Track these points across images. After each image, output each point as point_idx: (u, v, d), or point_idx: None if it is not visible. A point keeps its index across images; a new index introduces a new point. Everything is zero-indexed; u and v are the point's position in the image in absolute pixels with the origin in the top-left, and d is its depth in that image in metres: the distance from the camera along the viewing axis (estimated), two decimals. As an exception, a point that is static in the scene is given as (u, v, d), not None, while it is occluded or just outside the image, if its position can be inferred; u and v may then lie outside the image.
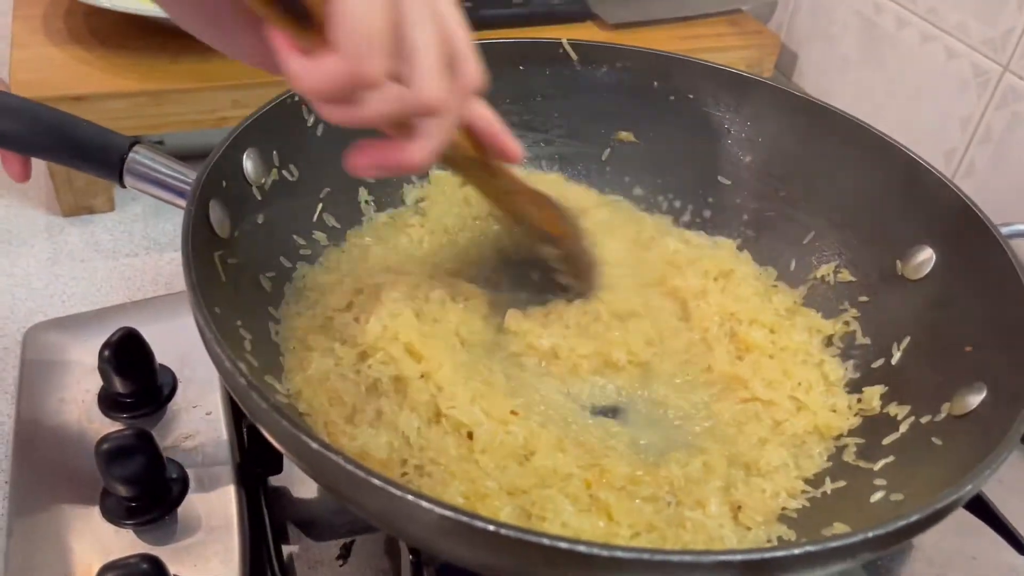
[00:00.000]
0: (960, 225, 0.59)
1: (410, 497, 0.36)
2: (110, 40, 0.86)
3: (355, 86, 0.35)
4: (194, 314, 0.46)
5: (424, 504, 0.36)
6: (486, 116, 0.49)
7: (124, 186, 0.57)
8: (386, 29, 0.35)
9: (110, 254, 0.81)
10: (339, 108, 0.37)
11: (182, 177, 0.57)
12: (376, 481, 0.37)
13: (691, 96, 0.74)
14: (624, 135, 0.76)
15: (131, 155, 0.57)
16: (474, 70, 0.41)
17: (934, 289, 0.60)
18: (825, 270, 0.67)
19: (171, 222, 0.86)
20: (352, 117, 0.37)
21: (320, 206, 0.66)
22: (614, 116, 0.76)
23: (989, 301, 0.55)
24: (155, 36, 0.86)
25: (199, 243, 0.51)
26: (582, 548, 0.35)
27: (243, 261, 0.57)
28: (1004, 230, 0.57)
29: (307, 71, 0.35)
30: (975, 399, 0.51)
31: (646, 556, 0.35)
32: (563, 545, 0.35)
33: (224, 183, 0.56)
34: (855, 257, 0.67)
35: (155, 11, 0.81)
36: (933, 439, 0.52)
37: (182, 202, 0.55)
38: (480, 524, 0.36)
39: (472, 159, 0.51)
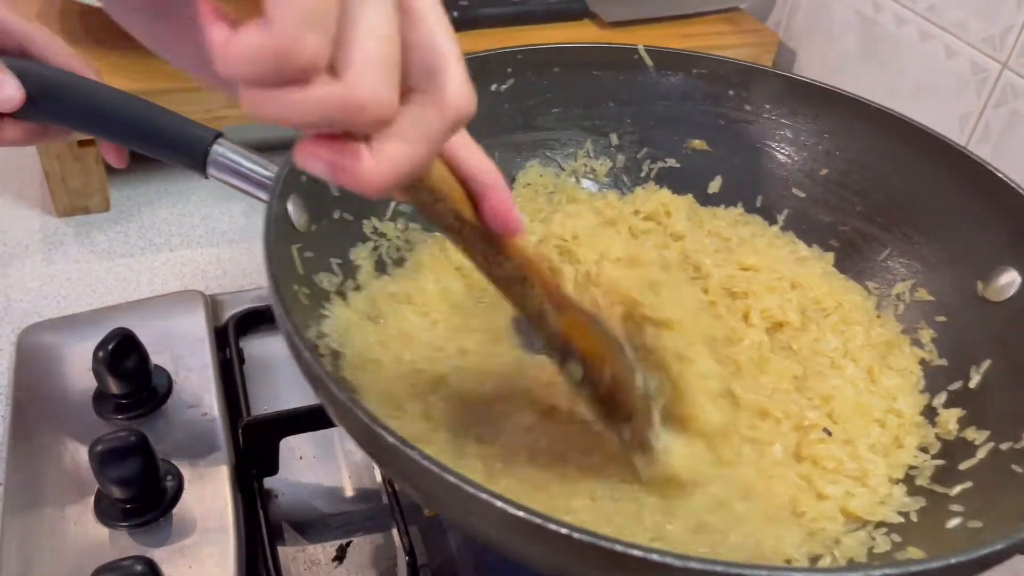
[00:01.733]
0: None
1: (484, 496, 0.36)
2: (105, 40, 0.85)
3: (283, 67, 0.29)
4: (274, 307, 0.45)
5: (498, 504, 0.36)
6: (481, 165, 0.39)
7: (207, 176, 0.59)
8: (334, 5, 0.29)
9: (105, 255, 0.81)
10: (261, 97, 0.30)
11: (263, 171, 0.57)
12: (451, 479, 0.37)
13: (767, 106, 0.73)
14: (697, 143, 0.75)
15: (215, 147, 0.57)
16: (457, 85, 0.33)
17: (1017, 312, 0.58)
18: (901, 288, 0.66)
19: (167, 222, 0.86)
20: (274, 111, 0.30)
21: (394, 203, 0.66)
22: (687, 124, 0.74)
23: None
24: (150, 35, 0.86)
25: (279, 236, 0.51)
26: (636, 552, 0.34)
27: (319, 254, 0.57)
28: None
29: (229, 43, 0.29)
30: None
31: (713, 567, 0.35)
32: (618, 548, 0.35)
33: (303, 178, 0.56)
34: (933, 276, 0.65)
35: (150, 10, 0.81)
36: (1013, 466, 0.50)
37: (262, 194, 0.56)
38: (554, 527, 0.35)
39: (460, 218, 0.40)
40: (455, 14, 0.94)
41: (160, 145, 0.58)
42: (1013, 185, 0.61)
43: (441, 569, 0.50)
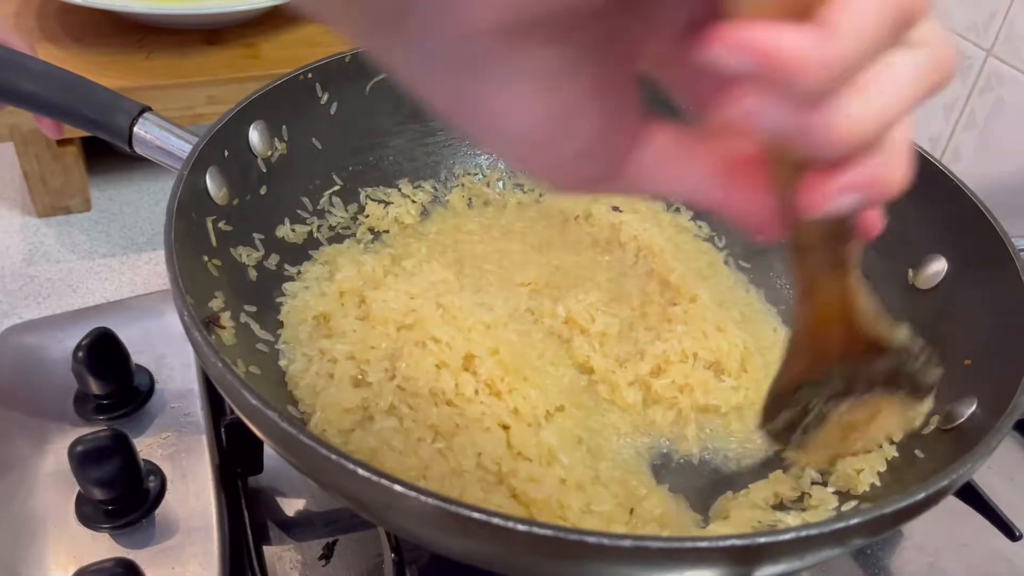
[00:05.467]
0: (976, 236, 0.58)
1: (398, 488, 0.36)
2: (83, 37, 0.84)
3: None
4: (167, 269, 0.47)
5: (407, 492, 0.35)
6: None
7: (133, 150, 0.59)
8: None
9: (86, 255, 0.80)
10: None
11: (187, 146, 0.57)
12: (362, 471, 0.36)
13: None
14: None
15: (140, 120, 0.58)
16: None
17: (943, 300, 0.59)
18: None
19: (149, 222, 0.85)
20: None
21: (328, 183, 0.67)
22: None
23: (996, 316, 0.54)
24: (129, 33, 0.85)
25: (188, 205, 0.52)
26: (571, 536, 0.35)
27: (239, 229, 0.58)
28: (1019, 243, 0.56)
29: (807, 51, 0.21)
30: (964, 412, 0.50)
31: (627, 543, 0.35)
32: (548, 532, 0.35)
33: (226, 152, 0.57)
34: (868, 263, 0.64)
35: (127, 7, 0.80)
36: (916, 452, 0.51)
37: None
38: (465, 512, 0.35)
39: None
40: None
41: (87, 118, 0.58)
42: (948, 174, 0.61)
43: (427, 567, 0.49)
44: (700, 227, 0.72)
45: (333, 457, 0.37)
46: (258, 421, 0.41)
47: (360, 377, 0.54)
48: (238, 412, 0.42)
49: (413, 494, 0.35)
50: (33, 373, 0.63)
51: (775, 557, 0.37)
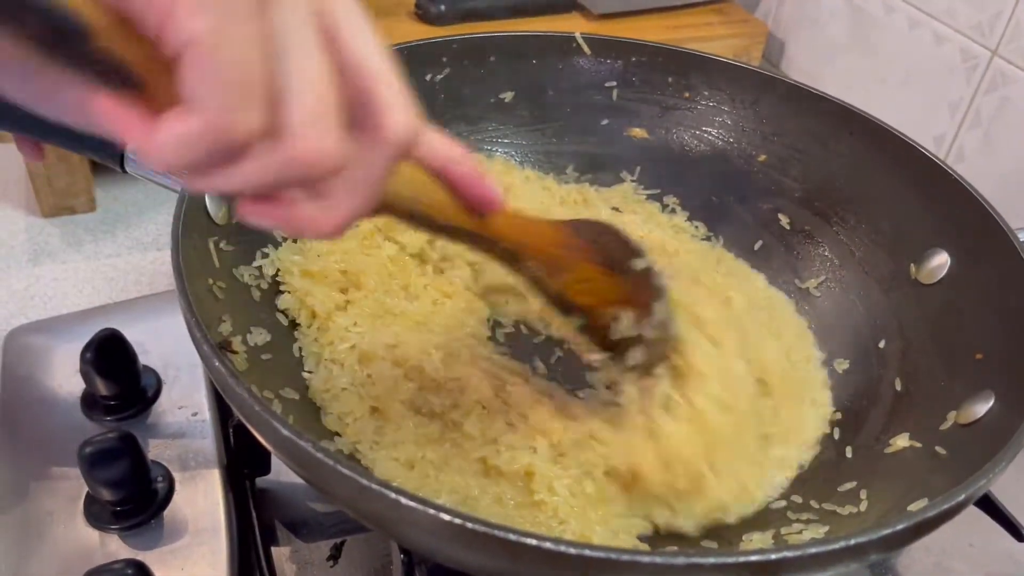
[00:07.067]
0: (977, 229, 0.57)
1: (405, 500, 0.35)
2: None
3: (221, 148, 0.27)
4: (179, 298, 0.46)
5: (418, 507, 0.35)
6: (445, 153, 0.38)
7: (125, 171, 0.58)
8: (259, 69, 0.27)
9: (92, 255, 0.80)
10: (205, 179, 0.29)
11: None
12: (374, 486, 0.36)
13: (706, 92, 0.73)
14: (637, 132, 0.74)
15: None
16: (396, 113, 0.31)
17: (947, 294, 0.59)
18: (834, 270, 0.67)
19: (154, 222, 0.85)
20: (222, 184, 0.29)
21: None
22: (627, 112, 0.74)
23: (1003, 308, 0.54)
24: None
25: (191, 227, 0.51)
26: (587, 552, 0.35)
27: (240, 248, 0.57)
28: (1023, 235, 0.56)
29: (152, 138, 0.27)
30: (982, 407, 0.50)
31: (642, 558, 0.35)
32: (570, 550, 0.35)
33: None
34: (869, 258, 0.65)
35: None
36: (937, 448, 0.51)
37: (179, 188, 0.55)
38: (472, 526, 0.35)
39: (436, 222, 0.40)
40: (442, 7, 0.94)
41: (77, 139, 0.57)
42: (946, 168, 0.61)
43: (436, 568, 0.49)
44: (696, 228, 0.72)
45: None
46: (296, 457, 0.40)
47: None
48: (273, 449, 0.42)
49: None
50: (40, 374, 0.63)
51: (796, 571, 0.37)
